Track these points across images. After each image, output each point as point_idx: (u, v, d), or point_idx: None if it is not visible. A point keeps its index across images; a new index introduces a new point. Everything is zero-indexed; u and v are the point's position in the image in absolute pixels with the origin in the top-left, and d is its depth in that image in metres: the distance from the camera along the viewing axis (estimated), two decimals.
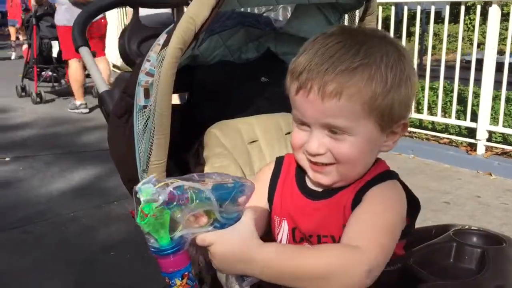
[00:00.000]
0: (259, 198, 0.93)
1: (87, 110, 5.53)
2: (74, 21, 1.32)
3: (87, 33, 1.27)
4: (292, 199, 0.93)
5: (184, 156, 1.17)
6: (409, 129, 4.38)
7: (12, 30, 11.34)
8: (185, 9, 1.45)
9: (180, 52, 0.90)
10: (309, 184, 0.93)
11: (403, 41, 4.38)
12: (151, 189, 0.73)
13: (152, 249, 0.76)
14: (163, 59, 0.92)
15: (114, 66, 7.98)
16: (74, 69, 5.39)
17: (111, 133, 1.15)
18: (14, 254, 2.50)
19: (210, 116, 1.21)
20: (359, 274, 0.75)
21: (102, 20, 5.48)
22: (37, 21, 6.11)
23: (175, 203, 0.72)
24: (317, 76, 0.81)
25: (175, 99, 1.16)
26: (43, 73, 6.27)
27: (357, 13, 1.23)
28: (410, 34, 5.57)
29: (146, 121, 0.99)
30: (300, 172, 0.94)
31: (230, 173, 1.05)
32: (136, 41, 1.36)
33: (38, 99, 6.09)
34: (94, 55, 1.35)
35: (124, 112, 1.10)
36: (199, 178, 0.76)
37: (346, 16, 1.28)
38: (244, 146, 1.15)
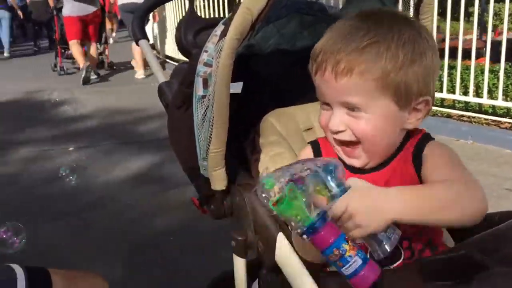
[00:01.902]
0: None
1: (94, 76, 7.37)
2: (134, 16, 1.38)
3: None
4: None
5: (241, 144, 1.19)
6: (468, 114, 4.23)
7: None
8: None
9: (237, 43, 0.91)
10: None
11: (461, 22, 4.22)
12: (272, 179, 0.77)
13: (302, 231, 0.78)
14: (221, 50, 0.94)
15: (167, 57, 8.17)
16: (75, 47, 7.18)
17: (171, 123, 1.19)
18: (78, 238, 2.65)
19: (266, 104, 1.23)
20: (482, 197, 0.83)
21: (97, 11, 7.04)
22: (57, 12, 7.77)
23: (300, 183, 0.76)
24: (331, 56, 0.88)
25: (233, 88, 1.18)
26: (66, 52, 8.02)
27: None
28: (468, 15, 5.35)
29: (205, 110, 1.02)
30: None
31: (285, 160, 1.07)
32: (192, 32, 1.39)
33: (62, 72, 8.00)
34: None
35: (183, 102, 1.13)
36: (302, 162, 0.81)
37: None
38: (299, 134, 1.16)
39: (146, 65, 7.17)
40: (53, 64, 8.24)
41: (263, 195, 0.78)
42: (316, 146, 1.04)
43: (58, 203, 3.10)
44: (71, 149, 4.16)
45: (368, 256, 0.79)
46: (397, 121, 0.92)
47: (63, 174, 2.74)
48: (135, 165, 3.71)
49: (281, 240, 0.99)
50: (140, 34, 1.36)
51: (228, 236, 1.07)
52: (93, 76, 7.40)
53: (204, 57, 1.06)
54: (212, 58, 1.01)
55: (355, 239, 0.81)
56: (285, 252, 0.98)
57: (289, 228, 0.80)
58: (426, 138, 0.96)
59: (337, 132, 0.92)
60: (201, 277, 1.63)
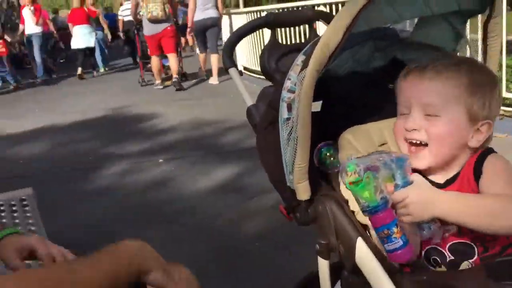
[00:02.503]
0: None
1: (161, 87, 8.52)
2: (224, 46, 1.56)
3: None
4: None
5: None
6: None
7: None
8: (316, 24, 1.62)
9: (317, 74, 1.06)
10: (430, 177, 1.11)
11: (504, 17, 4.09)
12: (353, 164, 0.99)
13: (366, 210, 1.00)
14: (303, 79, 1.09)
15: (245, 68, 8.47)
16: (154, 61, 8.38)
17: (259, 142, 1.34)
18: (170, 244, 2.87)
19: (343, 122, 1.36)
20: None
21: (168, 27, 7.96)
22: (137, 31, 8.95)
23: (374, 171, 0.98)
24: (423, 71, 1.09)
25: (314, 107, 1.33)
26: (148, 65, 9.12)
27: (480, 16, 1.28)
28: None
29: (290, 131, 1.17)
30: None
31: None
32: (275, 59, 1.55)
33: (144, 83, 9.11)
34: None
35: (269, 123, 1.29)
36: (379, 154, 1.04)
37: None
38: (374, 148, 1.27)
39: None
40: (140, 79, 9.26)
41: (344, 174, 0.99)
42: None
43: (152, 211, 3.39)
44: (160, 161, 4.48)
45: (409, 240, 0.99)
46: (464, 133, 1.06)
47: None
48: (218, 175, 3.94)
49: (360, 244, 1.12)
50: (228, 64, 1.54)
51: (309, 239, 1.22)
52: (159, 86, 8.57)
53: (287, 84, 1.21)
54: (295, 85, 1.16)
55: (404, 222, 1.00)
56: (364, 255, 1.11)
57: (358, 204, 1.01)
58: (488, 151, 1.07)
59: (411, 130, 1.07)
60: (287, 278, 1.77)
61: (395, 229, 0.98)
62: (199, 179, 3.91)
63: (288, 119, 1.18)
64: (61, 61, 14.99)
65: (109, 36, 12.61)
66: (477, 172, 1.05)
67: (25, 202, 1.88)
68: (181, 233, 3.02)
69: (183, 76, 9.03)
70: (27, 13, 10.50)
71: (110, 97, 8.27)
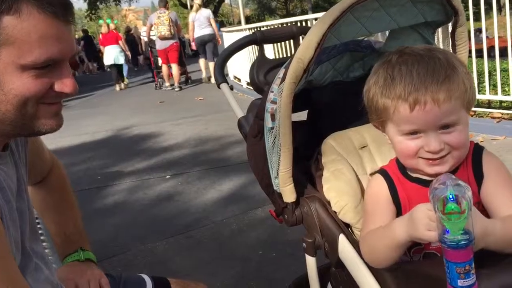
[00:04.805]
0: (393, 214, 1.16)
1: (170, 88, 11.40)
2: (215, 63, 1.69)
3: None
4: (419, 194, 1.13)
5: (307, 163, 1.43)
6: None
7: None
8: (300, 39, 1.74)
9: (294, 86, 1.16)
10: (424, 177, 1.14)
11: (508, 18, 4.18)
12: (454, 192, 0.87)
13: (454, 242, 0.88)
14: (282, 91, 1.20)
15: (248, 83, 8.67)
16: (164, 69, 11.29)
17: (249, 150, 1.45)
18: (181, 255, 3.00)
19: (326, 128, 1.46)
20: None
21: (174, 43, 10.87)
22: (151, 48, 12.10)
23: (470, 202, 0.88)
24: (426, 91, 1.03)
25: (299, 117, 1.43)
26: (160, 74, 11.81)
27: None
28: (500, 8, 5.24)
29: (274, 139, 1.27)
30: (407, 173, 1.18)
31: (344, 174, 1.30)
32: (263, 73, 1.66)
33: (158, 87, 12.08)
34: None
35: (258, 132, 1.39)
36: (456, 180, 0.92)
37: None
38: (355, 151, 1.38)
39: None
40: (155, 84, 12.44)
41: (438, 203, 0.88)
42: (385, 173, 1.20)
43: (162, 225, 3.50)
44: (168, 176, 4.60)
45: None
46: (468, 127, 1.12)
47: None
48: (224, 188, 4.06)
49: (342, 240, 1.22)
50: (220, 79, 1.66)
51: None
52: (176, 89, 11.17)
53: (271, 96, 1.32)
54: (277, 97, 1.27)
55: None
56: (346, 249, 1.21)
57: (437, 233, 0.91)
58: (477, 145, 1.15)
59: (439, 151, 1.05)
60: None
61: (473, 265, 0.90)
62: (206, 192, 4.02)
63: (272, 128, 1.28)
64: None
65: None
66: (478, 173, 1.11)
67: (38, 220, 1.99)
68: (190, 244, 3.13)
69: (187, 79, 12.28)
70: None
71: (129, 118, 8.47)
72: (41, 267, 1.10)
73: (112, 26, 13.29)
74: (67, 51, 0.93)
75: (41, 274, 1.09)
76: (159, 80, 12.07)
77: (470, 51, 4.34)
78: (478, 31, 5.56)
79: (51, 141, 6.59)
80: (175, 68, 10.94)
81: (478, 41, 4.79)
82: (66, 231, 1.41)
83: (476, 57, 4.75)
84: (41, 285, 1.07)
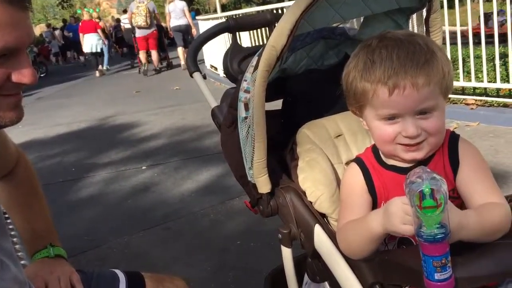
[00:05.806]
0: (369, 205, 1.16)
1: (146, 68, 12.24)
2: (188, 51, 1.64)
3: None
4: (394, 181, 1.13)
5: (282, 153, 1.41)
6: None
7: None
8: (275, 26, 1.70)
9: (267, 74, 1.14)
10: (399, 165, 1.14)
11: (508, 6, 4.22)
12: (429, 186, 0.86)
13: (431, 236, 0.88)
14: (255, 80, 1.17)
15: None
16: (141, 54, 12.00)
17: (223, 140, 1.42)
18: (158, 247, 2.96)
19: (301, 117, 1.43)
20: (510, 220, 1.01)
21: (154, 31, 11.80)
22: (134, 35, 12.19)
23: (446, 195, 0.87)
24: (406, 75, 1.02)
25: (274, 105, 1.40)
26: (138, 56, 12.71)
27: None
28: None
29: (248, 129, 1.24)
30: (383, 161, 1.17)
31: (319, 164, 1.29)
32: (237, 61, 1.62)
33: (141, 69, 12.72)
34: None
35: (231, 122, 1.36)
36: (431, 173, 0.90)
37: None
38: (331, 140, 1.36)
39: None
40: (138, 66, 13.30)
41: (414, 197, 0.87)
42: (360, 162, 1.19)
43: (138, 217, 3.46)
44: (144, 167, 4.54)
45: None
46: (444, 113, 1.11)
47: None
48: (201, 178, 4.02)
49: (318, 230, 1.20)
50: (193, 67, 1.62)
51: None
52: (152, 73, 12.22)
53: (244, 85, 1.28)
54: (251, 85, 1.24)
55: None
56: (322, 240, 1.19)
57: (414, 227, 0.90)
58: (453, 133, 1.14)
59: (416, 136, 1.05)
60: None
61: (449, 258, 0.90)
62: (183, 183, 3.98)
63: (246, 118, 1.25)
64: (42, 75, 15.06)
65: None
66: (453, 160, 1.10)
67: (7, 215, 1.93)
68: (168, 236, 3.09)
69: (168, 65, 13.03)
70: None
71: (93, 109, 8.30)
72: (7, 265, 1.06)
73: (95, 14, 14.18)
74: (24, 39, 0.87)
75: (7, 272, 1.05)
76: (143, 64, 12.62)
77: (444, 39, 4.40)
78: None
79: (24, 133, 6.45)
80: (154, 54, 12.03)
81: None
82: (35, 226, 1.36)
83: (451, 44, 4.82)
84: (7, 283, 1.03)
